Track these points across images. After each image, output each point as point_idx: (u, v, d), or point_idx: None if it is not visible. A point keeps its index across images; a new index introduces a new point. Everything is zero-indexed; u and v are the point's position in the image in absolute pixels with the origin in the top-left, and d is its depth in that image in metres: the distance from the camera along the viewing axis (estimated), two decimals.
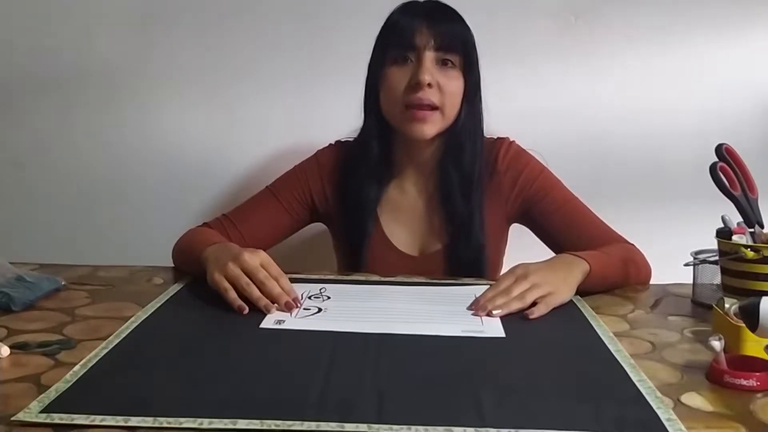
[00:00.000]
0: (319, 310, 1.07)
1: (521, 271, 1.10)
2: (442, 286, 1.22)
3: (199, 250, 1.18)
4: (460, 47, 1.28)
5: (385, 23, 1.31)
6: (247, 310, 1.04)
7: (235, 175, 1.78)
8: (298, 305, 1.07)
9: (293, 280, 1.13)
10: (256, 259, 1.08)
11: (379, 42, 1.32)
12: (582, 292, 1.14)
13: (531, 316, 1.04)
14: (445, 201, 1.35)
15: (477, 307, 1.06)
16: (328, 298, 1.13)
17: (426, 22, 1.26)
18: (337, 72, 1.67)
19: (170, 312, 1.07)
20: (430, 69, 1.26)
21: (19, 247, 1.67)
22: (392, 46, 1.29)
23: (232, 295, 1.06)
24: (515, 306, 1.05)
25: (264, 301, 1.05)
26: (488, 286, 1.13)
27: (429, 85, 1.25)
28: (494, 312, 1.04)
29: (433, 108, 1.27)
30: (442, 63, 1.28)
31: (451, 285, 1.23)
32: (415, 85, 1.26)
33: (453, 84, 1.28)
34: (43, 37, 1.75)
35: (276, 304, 1.05)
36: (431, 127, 1.28)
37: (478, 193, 1.33)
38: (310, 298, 1.13)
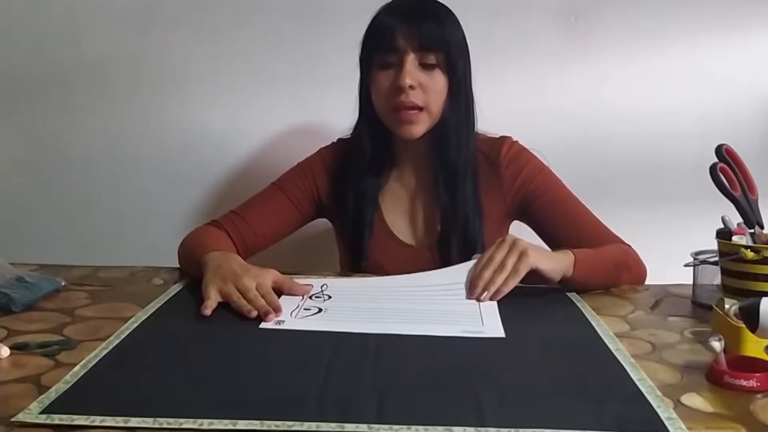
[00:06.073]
0: (320, 310, 1.07)
1: (510, 239, 1.15)
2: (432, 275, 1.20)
3: (201, 254, 1.19)
4: (440, 47, 1.28)
5: (370, 24, 1.33)
6: (255, 314, 1.03)
7: (236, 176, 1.78)
8: (275, 314, 1.04)
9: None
10: (253, 282, 1.09)
11: (364, 44, 1.33)
12: (577, 290, 1.17)
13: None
14: (435, 192, 1.37)
15: (475, 292, 1.11)
16: (329, 297, 1.13)
17: (407, 24, 1.27)
18: (338, 71, 1.67)
19: (170, 312, 1.08)
20: (411, 72, 1.27)
21: (19, 247, 1.67)
22: (375, 50, 1.31)
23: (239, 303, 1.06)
24: (512, 283, 1.11)
25: (247, 308, 1.04)
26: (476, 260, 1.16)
27: (411, 87, 1.27)
28: (498, 296, 1.08)
29: (419, 108, 1.29)
30: (424, 63, 1.29)
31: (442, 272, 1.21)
32: (398, 88, 1.27)
33: (436, 83, 1.29)
34: (43, 36, 1.75)
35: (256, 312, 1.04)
36: (418, 127, 1.30)
37: (467, 185, 1.34)
38: (311, 298, 1.13)
